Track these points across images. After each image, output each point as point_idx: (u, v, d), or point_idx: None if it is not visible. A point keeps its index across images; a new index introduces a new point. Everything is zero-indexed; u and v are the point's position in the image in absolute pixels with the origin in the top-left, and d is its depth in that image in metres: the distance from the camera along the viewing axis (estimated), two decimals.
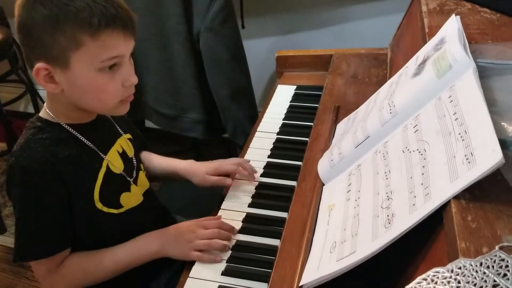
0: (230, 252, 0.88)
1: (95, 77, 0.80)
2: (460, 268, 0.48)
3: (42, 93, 2.42)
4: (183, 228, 0.92)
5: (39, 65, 0.79)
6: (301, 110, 1.26)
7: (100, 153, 0.91)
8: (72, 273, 0.89)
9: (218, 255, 0.87)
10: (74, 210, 0.88)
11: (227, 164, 1.05)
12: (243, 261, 0.86)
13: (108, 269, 0.90)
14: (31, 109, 2.50)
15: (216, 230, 0.90)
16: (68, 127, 0.87)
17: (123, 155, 0.96)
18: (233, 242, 0.90)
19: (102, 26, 0.77)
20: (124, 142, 0.98)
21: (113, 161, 0.93)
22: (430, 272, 0.49)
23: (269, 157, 1.11)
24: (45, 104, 0.89)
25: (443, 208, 0.56)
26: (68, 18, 0.75)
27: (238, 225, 0.93)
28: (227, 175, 1.04)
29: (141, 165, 1.03)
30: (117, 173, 0.93)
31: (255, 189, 1.02)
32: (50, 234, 0.86)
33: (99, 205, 0.90)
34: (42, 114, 0.89)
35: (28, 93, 2.28)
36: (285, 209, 0.93)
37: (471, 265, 0.48)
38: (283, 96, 1.33)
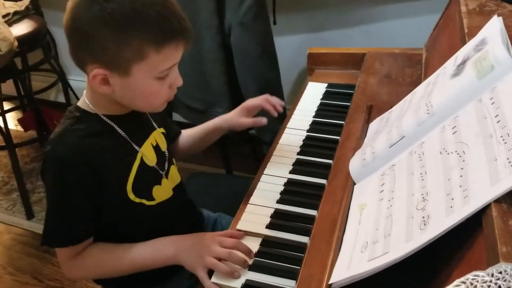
0: (258, 246, 0.87)
1: (151, 84, 0.83)
2: (500, 272, 0.47)
3: (73, 83, 2.46)
4: (199, 239, 0.90)
5: (98, 71, 0.79)
6: (332, 108, 1.24)
7: (135, 146, 0.92)
8: (90, 263, 0.91)
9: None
10: (106, 199, 0.89)
11: (253, 99, 1.10)
12: (271, 256, 0.85)
13: (123, 266, 0.91)
14: (61, 99, 2.54)
15: (228, 251, 0.84)
16: (106, 119, 0.88)
17: (156, 148, 0.97)
18: (262, 237, 0.89)
19: (166, 41, 0.79)
20: (158, 136, 0.99)
21: (147, 154, 0.94)
22: (469, 276, 0.48)
23: (298, 154, 1.10)
24: (84, 93, 0.90)
25: (483, 212, 0.55)
26: (136, 30, 0.76)
27: (266, 220, 0.93)
28: (255, 109, 1.10)
29: (173, 159, 1.03)
30: (150, 166, 0.94)
31: (284, 185, 1.01)
32: (75, 224, 0.88)
33: (131, 196, 0.91)
34: (80, 104, 0.89)
35: (60, 82, 2.32)
36: (314, 207, 0.93)
37: None
38: (313, 93, 1.31)
